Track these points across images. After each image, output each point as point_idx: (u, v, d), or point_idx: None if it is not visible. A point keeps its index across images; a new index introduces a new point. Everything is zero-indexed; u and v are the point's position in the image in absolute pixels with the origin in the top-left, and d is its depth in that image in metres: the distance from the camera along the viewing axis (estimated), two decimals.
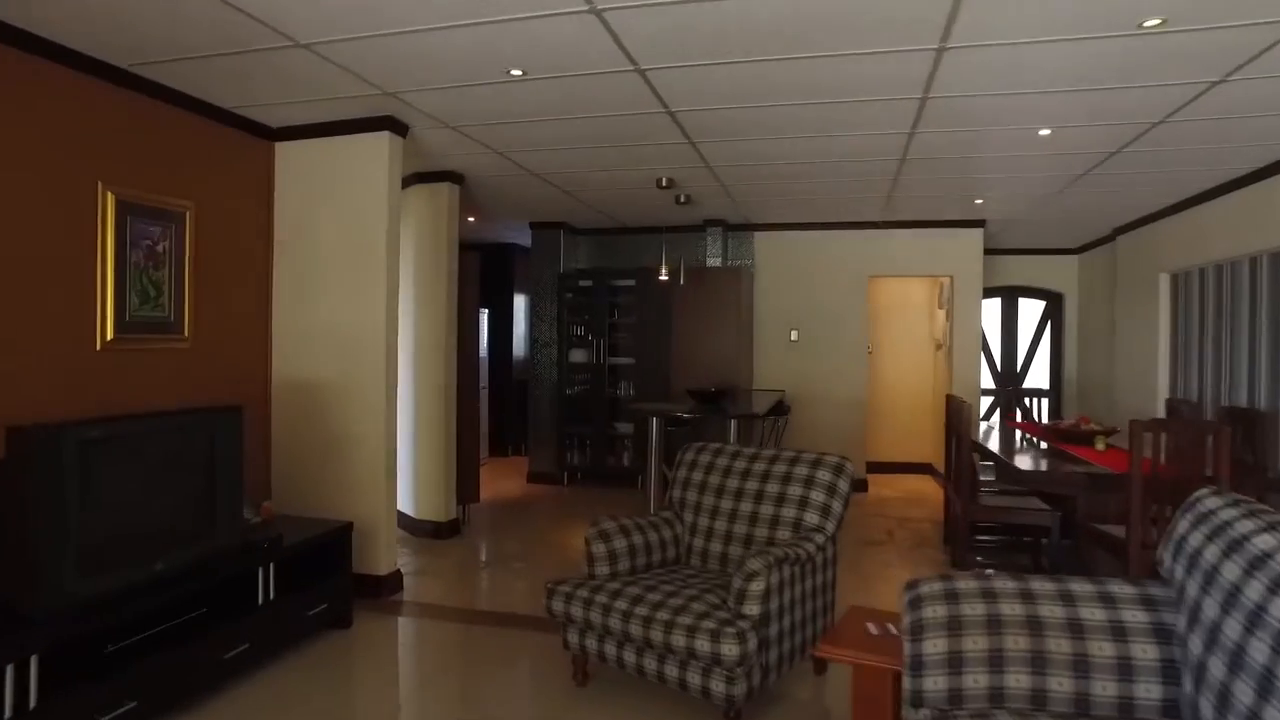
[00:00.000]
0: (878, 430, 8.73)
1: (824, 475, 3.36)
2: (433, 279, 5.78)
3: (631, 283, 7.95)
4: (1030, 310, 9.57)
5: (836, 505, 3.31)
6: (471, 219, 7.83)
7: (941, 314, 8.35)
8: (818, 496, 3.31)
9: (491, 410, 9.67)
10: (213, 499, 3.25)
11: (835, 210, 7.10)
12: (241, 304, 4.35)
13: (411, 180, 5.84)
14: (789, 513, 3.33)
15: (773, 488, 3.42)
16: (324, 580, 3.79)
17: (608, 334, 7.93)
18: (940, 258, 7.74)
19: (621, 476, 7.96)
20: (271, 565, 3.42)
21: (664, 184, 5.83)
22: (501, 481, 8.09)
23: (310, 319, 4.51)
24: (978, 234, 7.63)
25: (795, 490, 3.36)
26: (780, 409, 6.91)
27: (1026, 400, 6.90)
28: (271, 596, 3.42)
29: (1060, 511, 4.40)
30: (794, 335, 7.94)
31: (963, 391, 7.57)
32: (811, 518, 3.29)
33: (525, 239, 9.27)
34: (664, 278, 6.43)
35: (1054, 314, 9.45)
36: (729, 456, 3.65)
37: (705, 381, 7.35)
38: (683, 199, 6.46)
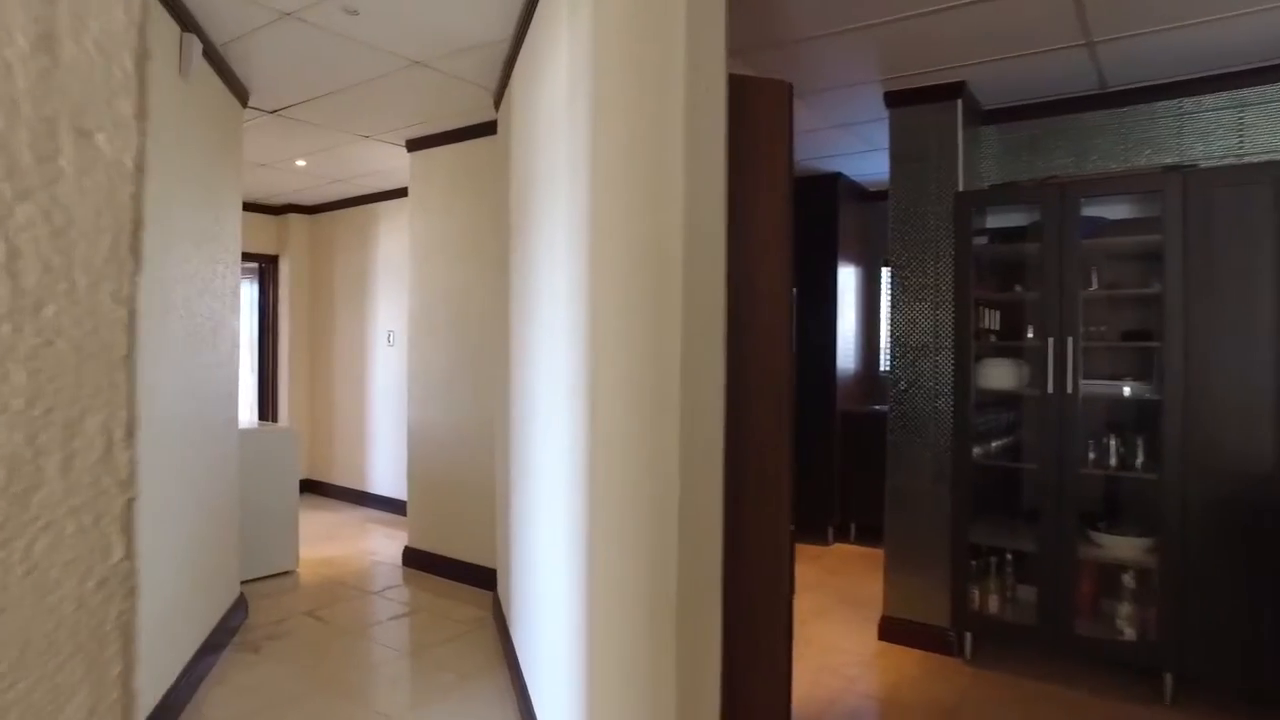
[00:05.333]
0: None
1: None
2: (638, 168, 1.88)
3: (1131, 209, 3.42)
4: None
5: None
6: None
7: None
8: None
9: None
10: None
11: None
12: None
13: None
14: None
15: None
16: None
17: (1080, 329, 3.45)
18: None
19: (1115, 663, 3.43)
20: None
21: None
22: (818, 629, 3.99)
23: None
24: None
25: None
26: None
27: None
28: None
29: None
30: None
31: None
32: None
33: (858, 161, 5.10)
34: None
35: None
36: None
37: None
38: None
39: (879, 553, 4.04)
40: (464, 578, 4.69)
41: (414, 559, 5.02)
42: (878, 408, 5.82)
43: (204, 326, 3.45)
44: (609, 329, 2.05)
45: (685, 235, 1.89)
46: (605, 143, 2.03)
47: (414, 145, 5.06)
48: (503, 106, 4.04)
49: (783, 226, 2.15)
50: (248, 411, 7.38)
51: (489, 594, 4.42)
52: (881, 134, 4.31)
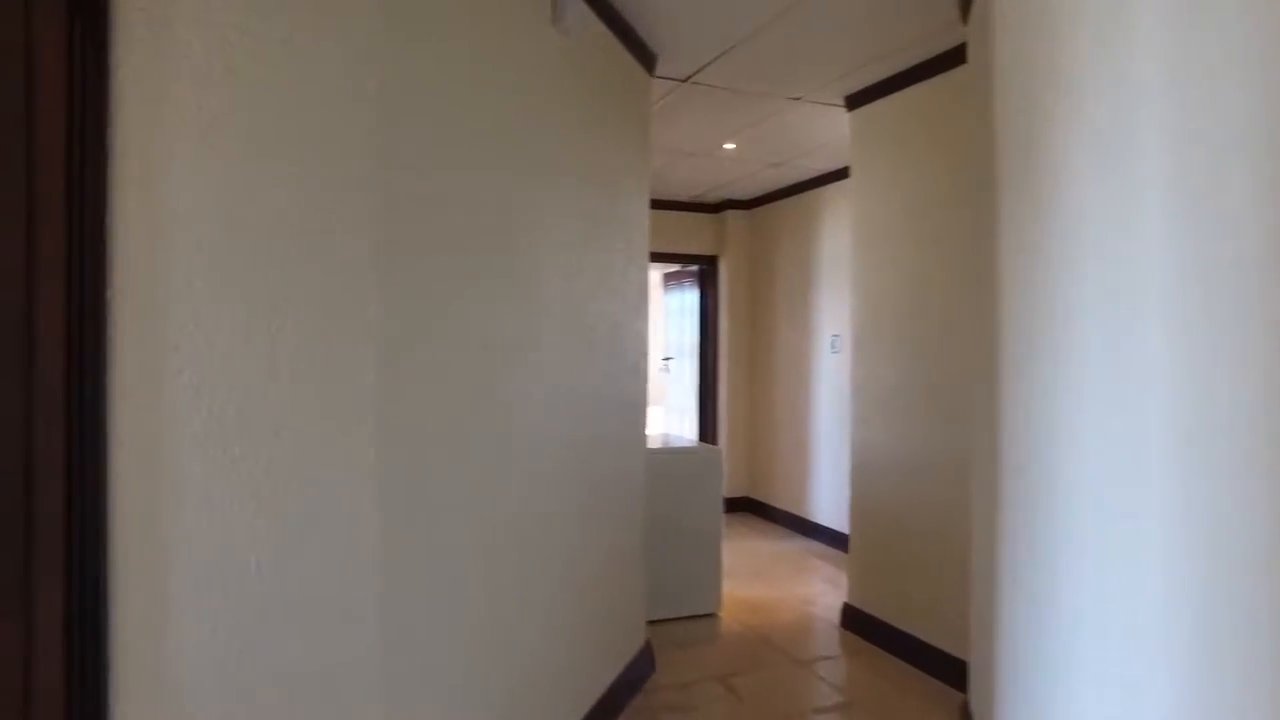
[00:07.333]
0: None
1: None
2: None
3: None
4: None
5: None
6: None
7: None
8: None
9: None
10: None
11: None
12: None
13: None
14: None
15: None
16: None
17: None
18: None
19: None
20: None
21: None
22: None
23: None
24: None
25: None
26: None
27: None
28: None
29: None
30: None
31: None
32: None
33: None
34: None
35: None
36: None
37: None
38: None
39: None
40: (920, 662, 3.51)
41: (855, 621, 3.99)
42: None
43: (597, 330, 2.90)
44: None
45: None
46: None
47: (854, 101, 4.05)
48: (975, 10, 2.81)
49: None
50: (687, 427, 7.14)
51: (955, 695, 3.19)
52: None
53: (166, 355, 1.35)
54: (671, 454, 4.22)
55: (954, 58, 3.35)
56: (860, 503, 4.05)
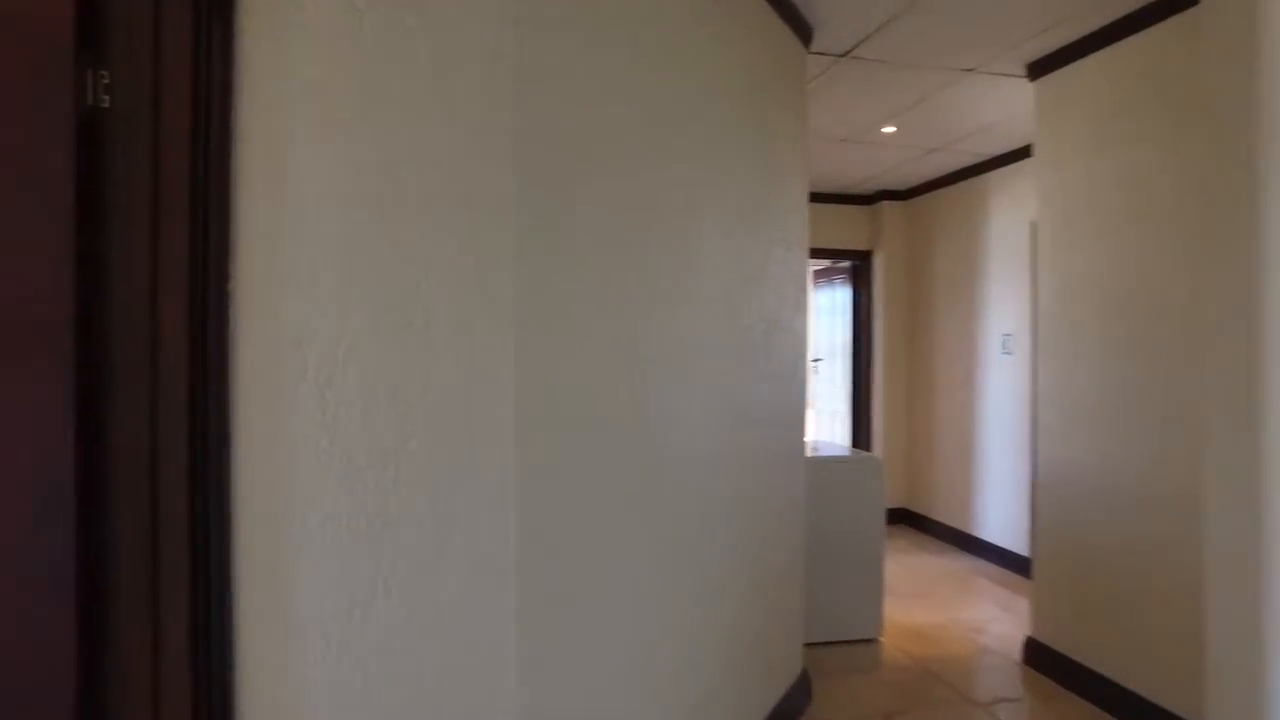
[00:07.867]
0: None
1: None
2: None
3: None
4: None
5: None
6: None
7: None
8: None
9: None
10: None
11: None
12: None
13: None
14: None
15: None
16: None
17: None
18: None
19: None
20: None
21: None
22: None
23: None
24: None
25: None
26: None
27: None
28: None
29: None
30: None
31: None
32: None
33: None
34: None
35: None
36: None
37: None
38: None
39: None
40: (1125, 714, 3.02)
41: (1039, 658, 3.51)
42: None
43: (754, 329, 2.65)
44: None
45: None
46: None
47: (1038, 69, 3.57)
48: None
49: None
50: (837, 431, 6.73)
51: None
52: None
53: (288, 354, 1.22)
54: (828, 464, 3.88)
55: (1170, 3, 2.86)
56: (1048, 525, 3.56)
